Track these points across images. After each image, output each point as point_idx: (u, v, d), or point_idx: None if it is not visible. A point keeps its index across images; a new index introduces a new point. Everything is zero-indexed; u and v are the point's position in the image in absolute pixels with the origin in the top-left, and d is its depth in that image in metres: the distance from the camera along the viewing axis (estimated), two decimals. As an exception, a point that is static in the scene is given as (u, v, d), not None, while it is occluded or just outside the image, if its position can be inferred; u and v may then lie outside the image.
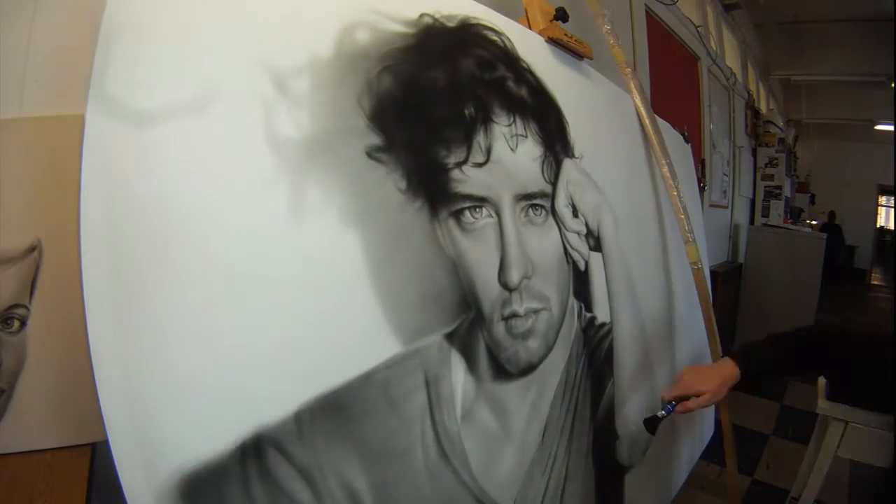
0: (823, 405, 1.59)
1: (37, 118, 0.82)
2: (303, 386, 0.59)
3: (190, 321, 0.51)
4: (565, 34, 1.09)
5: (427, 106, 0.76)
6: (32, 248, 0.81)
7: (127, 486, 0.46)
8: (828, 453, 1.59)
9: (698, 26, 3.44)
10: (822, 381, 1.77)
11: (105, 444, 0.45)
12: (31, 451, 0.80)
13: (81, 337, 0.45)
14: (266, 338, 0.57)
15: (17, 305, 0.80)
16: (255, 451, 0.54)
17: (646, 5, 2.57)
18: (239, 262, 0.55)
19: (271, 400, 0.56)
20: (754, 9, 4.49)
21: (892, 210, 9.70)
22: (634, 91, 1.31)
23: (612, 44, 1.29)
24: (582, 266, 1.00)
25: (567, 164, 0.98)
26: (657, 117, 1.59)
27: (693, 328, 1.64)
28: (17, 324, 0.80)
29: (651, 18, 2.64)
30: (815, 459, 1.68)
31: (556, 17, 1.09)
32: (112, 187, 0.48)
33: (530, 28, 1.07)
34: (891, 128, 6.88)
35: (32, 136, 0.82)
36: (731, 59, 4.48)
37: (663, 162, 1.35)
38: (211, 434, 0.51)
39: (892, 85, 5.07)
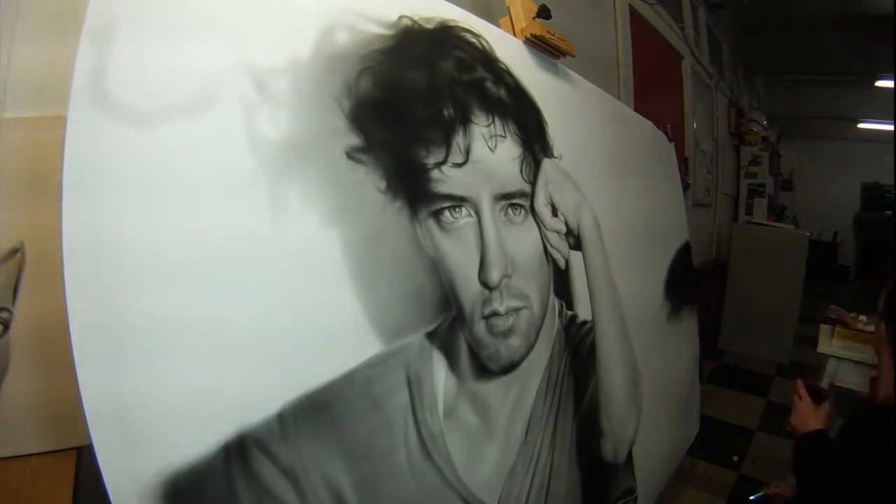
0: (823, 347, 2.18)
1: (18, 119, 0.82)
2: (285, 386, 0.59)
3: (172, 323, 0.51)
4: (548, 31, 1.10)
5: (406, 107, 0.76)
6: (15, 251, 0.80)
7: (112, 489, 0.46)
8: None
9: (682, 25, 3.47)
10: (823, 327, 2.32)
11: (90, 447, 0.45)
12: (15, 457, 0.79)
13: (65, 340, 0.45)
14: (248, 338, 0.57)
15: (-1, 309, 0.80)
16: (238, 452, 0.54)
17: (629, 4, 2.59)
18: (221, 262, 0.55)
19: (254, 400, 0.57)
20: (739, 8, 4.53)
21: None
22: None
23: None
24: (562, 265, 1.01)
25: (546, 163, 0.99)
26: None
27: (679, 324, 1.67)
28: (-1, 327, 0.80)
29: (634, 18, 2.67)
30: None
31: (538, 15, 1.10)
32: (94, 188, 0.48)
33: (513, 26, 1.08)
34: (874, 126, 7.01)
35: (13, 137, 0.81)
36: (715, 58, 4.53)
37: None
38: (195, 435, 0.52)
39: (893, 85, 5.11)
